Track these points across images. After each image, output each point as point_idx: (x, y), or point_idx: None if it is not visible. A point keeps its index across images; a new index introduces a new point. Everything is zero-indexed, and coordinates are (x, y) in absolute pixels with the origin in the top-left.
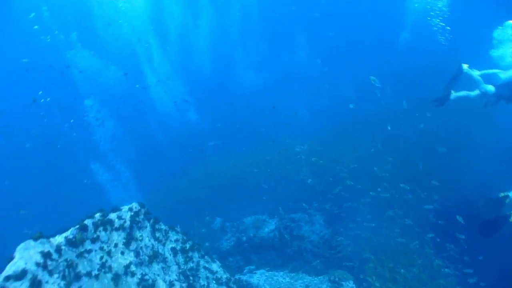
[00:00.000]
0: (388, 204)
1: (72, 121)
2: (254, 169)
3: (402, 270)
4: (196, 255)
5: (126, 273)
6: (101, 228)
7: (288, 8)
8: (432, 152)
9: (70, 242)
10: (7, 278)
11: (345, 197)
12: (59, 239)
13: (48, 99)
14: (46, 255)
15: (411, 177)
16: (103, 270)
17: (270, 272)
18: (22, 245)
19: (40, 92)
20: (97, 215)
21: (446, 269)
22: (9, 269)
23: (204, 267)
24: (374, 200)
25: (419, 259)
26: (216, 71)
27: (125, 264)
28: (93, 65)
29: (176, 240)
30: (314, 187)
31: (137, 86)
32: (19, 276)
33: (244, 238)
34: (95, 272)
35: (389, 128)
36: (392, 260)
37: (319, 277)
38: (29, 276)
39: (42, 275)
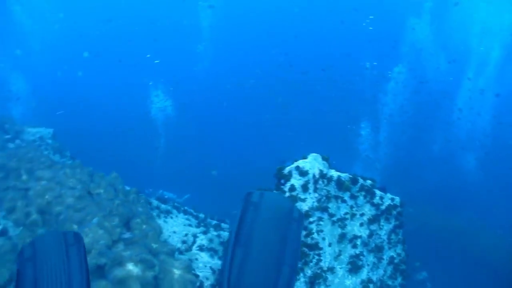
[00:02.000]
0: None
1: (375, 63)
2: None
3: None
4: (399, 279)
5: (350, 241)
6: (363, 193)
7: None
8: None
9: (338, 182)
10: (297, 168)
11: None
12: (334, 173)
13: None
14: (320, 175)
15: None
16: (338, 224)
17: None
18: (314, 154)
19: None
20: (368, 181)
21: None
22: (301, 163)
23: None
24: None
25: None
26: None
27: (356, 234)
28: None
29: (398, 254)
30: None
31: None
32: (303, 173)
33: None
34: (333, 219)
35: None
36: None
37: None
38: (306, 178)
39: (310, 185)
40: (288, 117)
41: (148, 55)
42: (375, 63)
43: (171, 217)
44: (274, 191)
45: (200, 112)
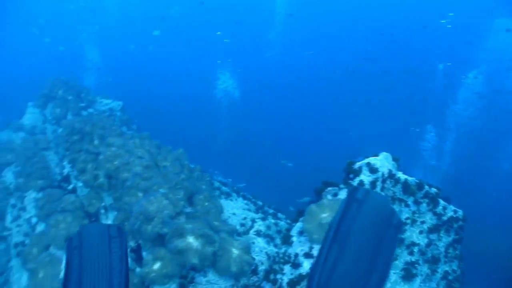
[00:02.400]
0: None
1: (448, 63)
2: None
3: None
4: None
5: (408, 247)
6: (427, 200)
7: None
8: None
9: (405, 185)
10: (368, 164)
11: None
12: (401, 175)
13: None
14: (389, 175)
15: None
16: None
17: None
18: (385, 153)
19: None
20: (433, 189)
21: None
22: (372, 160)
23: None
24: None
25: None
26: None
27: (414, 241)
28: None
29: (454, 271)
30: None
31: None
32: (373, 170)
33: None
34: None
35: None
36: None
37: None
38: (375, 176)
39: (378, 183)
40: (356, 114)
41: (219, 32)
42: (449, 64)
43: (231, 200)
44: (378, 192)
45: (264, 99)
